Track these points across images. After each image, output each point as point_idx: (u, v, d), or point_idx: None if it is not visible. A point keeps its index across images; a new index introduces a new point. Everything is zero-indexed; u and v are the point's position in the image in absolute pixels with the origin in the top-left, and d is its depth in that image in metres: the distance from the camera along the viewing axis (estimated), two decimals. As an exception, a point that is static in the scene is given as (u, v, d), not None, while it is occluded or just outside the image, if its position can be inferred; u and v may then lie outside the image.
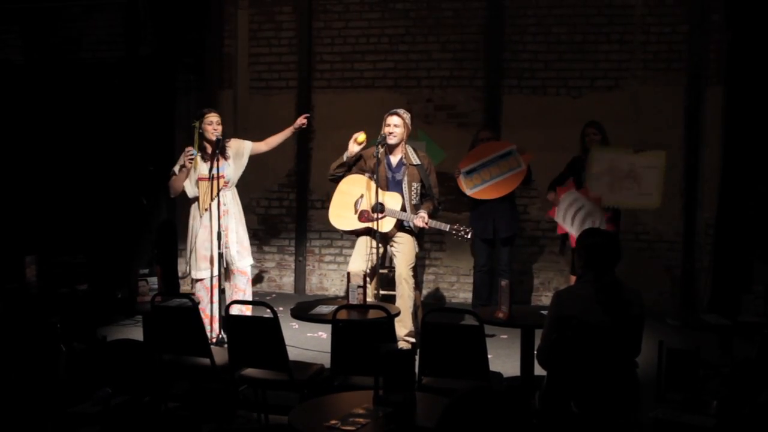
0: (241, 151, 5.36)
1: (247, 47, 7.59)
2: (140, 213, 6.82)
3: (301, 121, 5.52)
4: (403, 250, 5.23)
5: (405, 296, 5.16)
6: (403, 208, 5.15)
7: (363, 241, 5.23)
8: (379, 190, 5.09)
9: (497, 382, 3.98)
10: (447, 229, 5.11)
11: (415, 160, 5.25)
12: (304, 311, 4.39)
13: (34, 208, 7.09)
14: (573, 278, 5.66)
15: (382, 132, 5.20)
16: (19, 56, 7.77)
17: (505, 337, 5.59)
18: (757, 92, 6.31)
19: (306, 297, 7.28)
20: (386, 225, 5.15)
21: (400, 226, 5.23)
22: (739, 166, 6.41)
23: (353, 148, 5.20)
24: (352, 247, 7.44)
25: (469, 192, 5.77)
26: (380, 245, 5.21)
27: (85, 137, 7.06)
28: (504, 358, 5.04)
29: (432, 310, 4.08)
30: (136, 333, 5.04)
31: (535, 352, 3.59)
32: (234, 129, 7.26)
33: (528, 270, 7.16)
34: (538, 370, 3.67)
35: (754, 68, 6.31)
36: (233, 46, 7.56)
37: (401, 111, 5.25)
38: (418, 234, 5.29)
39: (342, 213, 5.30)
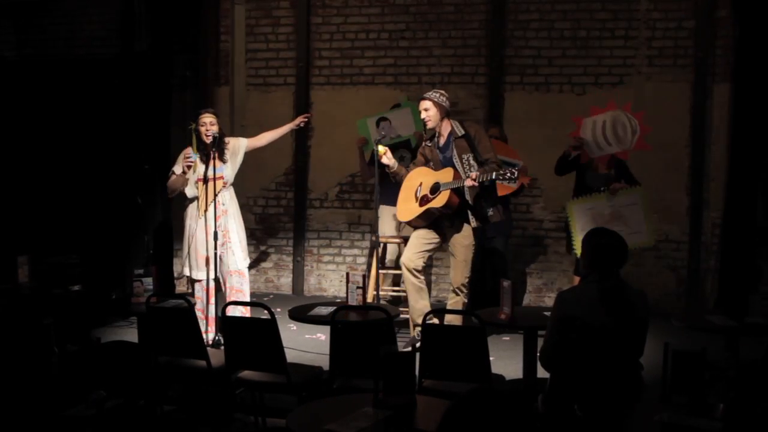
0: (236, 149, 5.32)
1: (244, 43, 7.52)
2: (135, 212, 6.78)
3: (301, 119, 5.54)
4: (463, 256, 5.12)
5: (459, 306, 5.14)
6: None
7: (419, 235, 5.17)
8: (432, 171, 5.07)
9: (499, 384, 3.95)
10: (494, 177, 4.96)
11: (460, 131, 5.12)
12: (302, 312, 4.37)
13: (26, 207, 7.05)
14: (577, 279, 5.61)
15: (376, 134, 5.16)
16: (12, 52, 7.72)
17: (507, 338, 5.53)
18: (765, 90, 6.26)
19: (304, 298, 7.22)
20: (440, 199, 5.02)
21: (459, 216, 5.09)
22: (746, 165, 6.37)
23: (386, 161, 5.18)
24: (352, 247, 7.49)
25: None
26: (434, 238, 5.16)
27: (79, 135, 7.03)
28: (506, 360, 4.98)
29: (432, 311, 4.01)
30: (131, 334, 5.01)
31: (538, 354, 3.54)
32: (231, 126, 7.21)
33: (531, 270, 7.09)
34: (541, 373, 3.63)
35: (761, 65, 6.26)
36: (230, 41, 7.50)
37: (430, 93, 5.14)
38: (480, 230, 5.22)
39: (405, 206, 5.24)
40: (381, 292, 5.81)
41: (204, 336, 5.00)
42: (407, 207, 5.20)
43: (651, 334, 3.38)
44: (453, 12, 7.11)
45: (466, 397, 1.79)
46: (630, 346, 3.30)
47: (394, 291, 6.30)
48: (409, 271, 5.10)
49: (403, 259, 5.20)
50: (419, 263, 5.13)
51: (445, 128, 5.14)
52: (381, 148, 5.17)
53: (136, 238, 6.81)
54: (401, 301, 6.01)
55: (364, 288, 4.40)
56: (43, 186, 7.11)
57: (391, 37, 7.25)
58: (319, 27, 7.40)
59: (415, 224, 5.20)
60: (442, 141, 5.15)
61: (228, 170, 5.22)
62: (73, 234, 6.81)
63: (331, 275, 7.51)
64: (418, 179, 5.19)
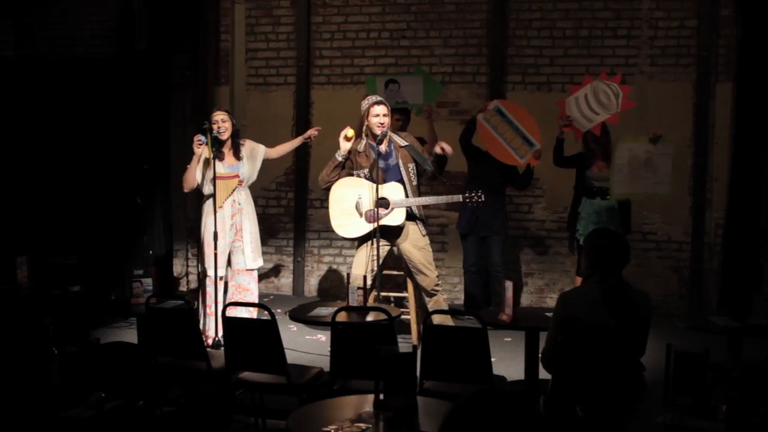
0: (255, 153, 5.40)
1: (244, 42, 7.51)
2: (135, 212, 6.76)
3: (312, 132, 5.58)
4: (423, 259, 5.14)
5: (441, 306, 5.17)
6: (407, 195, 5.03)
7: (365, 246, 5.11)
8: (377, 186, 4.97)
9: (501, 386, 3.94)
10: (460, 200, 5.10)
11: (402, 141, 5.14)
12: (302, 313, 4.35)
13: (25, 207, 7.04)
14: (579, 279, 5.58)
15: (368, 125, 5.05)
16: (10, 51, 7.70)
17: (509, 339, 5.51)
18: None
19: (305, 298, 7.20)
20: (397, 218, 5.02)
21: (409, 217, 5.09)
22: (749, 165, 6.35)
23: (344, 145, 5.07)
24: (352, 247, 7.42)
25: (480, 117, 5.70)
26: (385, 245, 5.12)
27: (78, 134, 7.01)
28: (508, 361, 4.96)
29: (433, 312, 3.99)
30: (131, 335, 5.00)
31: (540, 355, 3.52)
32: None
33: (533, 271, 7.07)
34: (543, 374, 3.61)
35: (764, 64, 6.24)
36: (230, 41, 7.49)
37: (385, 100, 5.14)
38: (423, 219, 5.21)
39: (346, 221, 5.11)
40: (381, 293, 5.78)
41: (206, 332, 5.02)
42: (349, 222, 5.06)
43: (653, 335, 3.36)
44: (454, 11, 7.10)
45: (467, 398, 1.78)
46: (632, 347, 3.29)
47: (394, 293, 6.28)
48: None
49: (354, 277, 4.97)
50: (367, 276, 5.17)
51: (386, 137, 5.11)
52: (350, 131, 5.04)
53: (135, 239, 6.80)
54: (402, 302, 5.99)
55: (365, 289, 4.37)
56: (42, 186, 7.09)
57: (392, 37, 7.23)
58: (319, 26, 7.38)
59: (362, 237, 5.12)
60: (382, 149, 5.06)
61: (244, 169, 5.29)
62: (73, 234, 6.79)
63: (332, 276, 7.49)
64: (353, 191, 5.06)
